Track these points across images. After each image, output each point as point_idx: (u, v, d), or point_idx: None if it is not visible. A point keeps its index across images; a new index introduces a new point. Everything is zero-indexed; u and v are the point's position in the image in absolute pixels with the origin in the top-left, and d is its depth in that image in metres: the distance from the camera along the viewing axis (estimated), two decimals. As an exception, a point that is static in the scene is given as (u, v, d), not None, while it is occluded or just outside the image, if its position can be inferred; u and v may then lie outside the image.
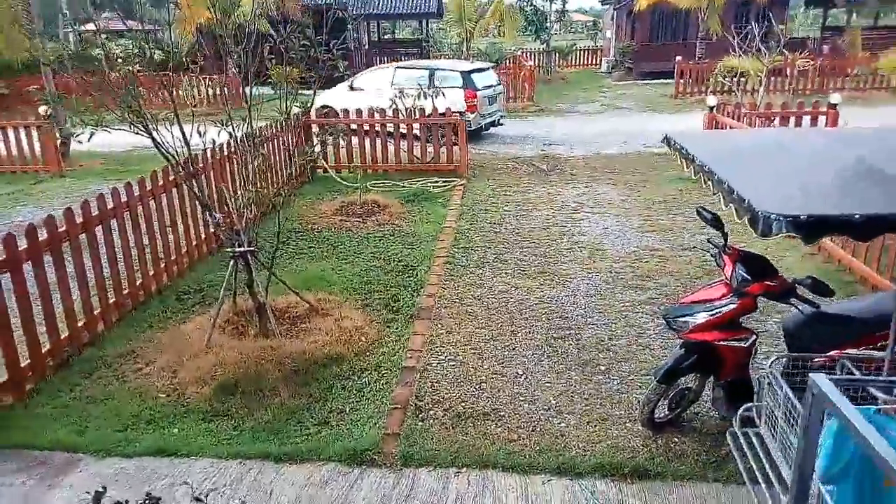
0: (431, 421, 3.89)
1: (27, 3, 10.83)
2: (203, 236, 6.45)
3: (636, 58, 24.78)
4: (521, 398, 4.10)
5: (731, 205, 2.49)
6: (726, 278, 3.50)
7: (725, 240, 3.68)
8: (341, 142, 8.54)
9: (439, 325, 5.12)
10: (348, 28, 25.50)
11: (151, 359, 4.52)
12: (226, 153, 6.61)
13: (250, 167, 4.39)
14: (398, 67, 12.97)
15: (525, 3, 25.11)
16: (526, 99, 18.33)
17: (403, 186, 9.34)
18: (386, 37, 31.39)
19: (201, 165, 5.79)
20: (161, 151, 4.27)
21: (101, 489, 2.06)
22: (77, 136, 3.81)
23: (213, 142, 4.47)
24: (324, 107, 11.92)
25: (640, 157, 11.18)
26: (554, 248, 6.77)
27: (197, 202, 5.32)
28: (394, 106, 9.99)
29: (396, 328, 5.07)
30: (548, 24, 25.64)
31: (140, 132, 4.00)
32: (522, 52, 26.58)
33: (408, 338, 4.91)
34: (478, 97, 12.26)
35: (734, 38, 13.81)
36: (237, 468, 3.48)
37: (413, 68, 12.87)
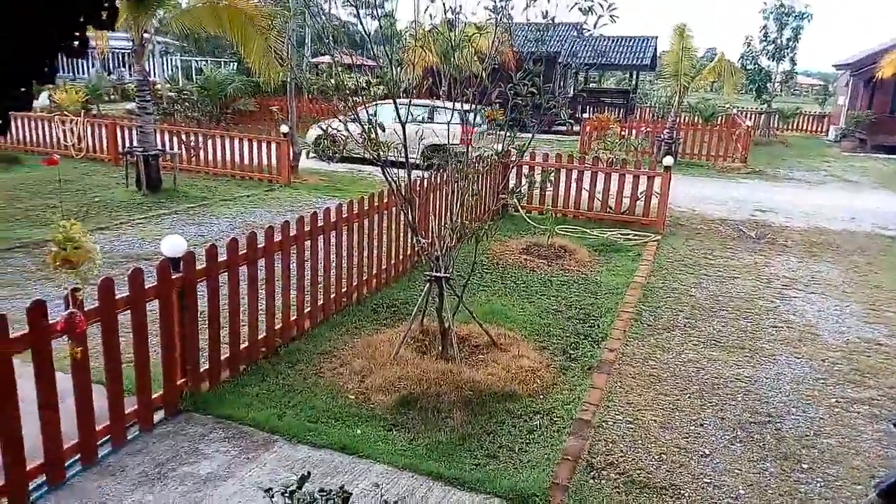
0: (604, 482, 3.72)
1: (283, 35, 12.53)
2: (401, 257, 6.89)
3: (872, 129, 22.14)
4: (706, 480, 3.77)
5: None
6: None
7: None
8: (549, 185, 8.61)
9: (619, 383, 4.92)
10: (556, 75, 26.00)
11: (346, 361, 4.89)
12: (439, 183, 7.03)
13: (459, 199, 4.61)
14: (401, 103, 14.89)
15: (748, 62, 23.71)
16: (739, 160, 17.21)
17: (593, 235, 9.20)
18: (592, 85, 31.47)
19: (418, 192, 6.21)
20: (386, 177, 4.67)
21: (306, 474, 2.24)
22: (327, 156, 4.31)
23: (431, 172, 4.79)
24: (321, 136, 13.49)
25: (870, 238, 9.90)
26: (756, 324, 6.20)
27: (403, 225, 5.70)
28: (595, 154, 9.97)
29: (573, 377, 4.96)
30: (770, 85, 23.93)
31: (374, 158, 4.41)
32: (738, 111, 25.05)
33: (584, 389, 4.77)
34: (474, 133, 13.31)
35: None
36: (408, 481, 3.61)
37: (415, 105, 14.62)
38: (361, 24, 4.58)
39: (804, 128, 28.60)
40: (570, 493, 3.58)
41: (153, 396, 3.98)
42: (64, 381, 3.39)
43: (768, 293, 7.10)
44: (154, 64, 27.83)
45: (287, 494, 2.14)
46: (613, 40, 26.26)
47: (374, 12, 4.86)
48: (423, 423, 4.18)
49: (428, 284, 4.94)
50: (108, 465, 3.60)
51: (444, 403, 4.35)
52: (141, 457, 3.69)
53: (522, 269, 7.56)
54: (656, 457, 3.98)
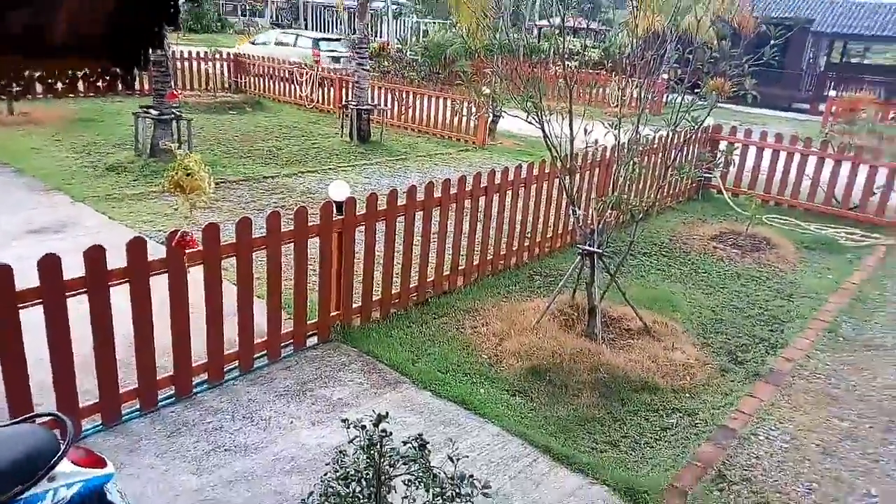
0: (733, 497, 3.35)
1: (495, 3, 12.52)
2: (568, 228, 6.69)
3: None
4: (860, 523, 3.21)
5: None
6: None
7: None
8: (732, 164, 7.70)
9: (787, 398, 4.34)
10: (807, 45, 22.79)
11: (488, 321, 4.96)
12: (601, 157, 6.67)
13: (619, 173, 4.33)
14: (281, 33, 21.15)
15: None
16: None
17: (808, 230, 8.07)
18: (853, 60, 27.11)
19: (579, 164, 5.96)
20: (547, 144, 4.55)
21: (383, 413, 2.36)
22: (492, 114, 4.31)
23: (596, 141, 4.54)
24: (237, 55, 17.17)
25: None
26: None
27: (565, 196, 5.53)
28: (824, 137, 8.63)
29: (732, 381, 4.49)
30: None
31: (533, 122, 4.32)
32: None
33: (740, 396, 4.30)
34: (320, 55, 17.81)
35: None
36: (517, 447, 3.59)
37: (286, 33, 20.71)
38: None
39: None
40: (688, 499, 3.30)
41: (308, 322, 4.42)
42: (231, 301, 3.91)
43: None
44: (388, 25, 29.83)
45: (359, 427, 2.27)
46: (888, 7, 22.21)
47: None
48: (548, 395, 4.11)
49: (579, 258, 4.77)
50: (261, 375, 4.11)
51: (574, 380, 4.23)
52: (288, 373, 4.16)
53: (708, 256, 6.94)
54: (806, 484, 3.48)
